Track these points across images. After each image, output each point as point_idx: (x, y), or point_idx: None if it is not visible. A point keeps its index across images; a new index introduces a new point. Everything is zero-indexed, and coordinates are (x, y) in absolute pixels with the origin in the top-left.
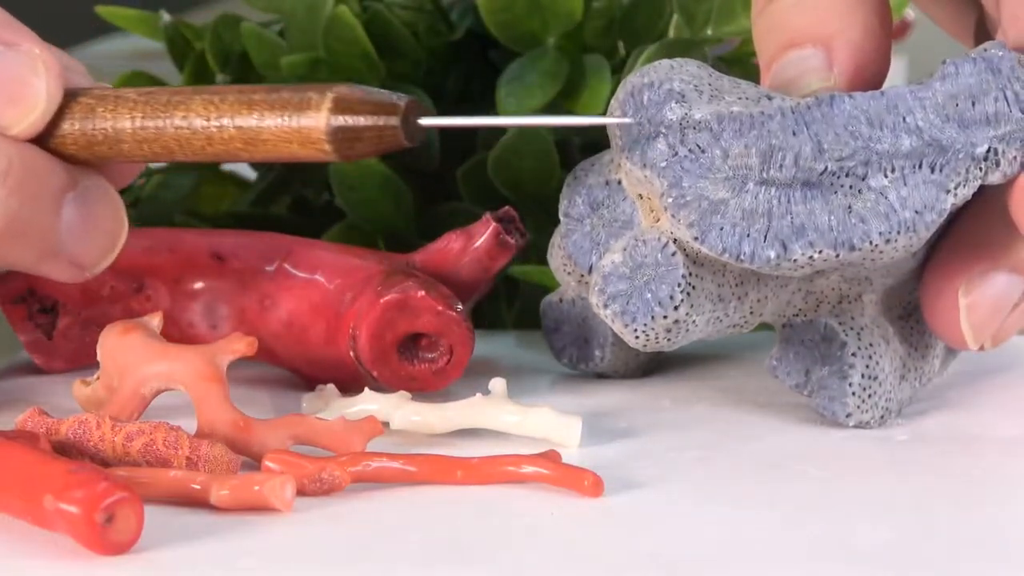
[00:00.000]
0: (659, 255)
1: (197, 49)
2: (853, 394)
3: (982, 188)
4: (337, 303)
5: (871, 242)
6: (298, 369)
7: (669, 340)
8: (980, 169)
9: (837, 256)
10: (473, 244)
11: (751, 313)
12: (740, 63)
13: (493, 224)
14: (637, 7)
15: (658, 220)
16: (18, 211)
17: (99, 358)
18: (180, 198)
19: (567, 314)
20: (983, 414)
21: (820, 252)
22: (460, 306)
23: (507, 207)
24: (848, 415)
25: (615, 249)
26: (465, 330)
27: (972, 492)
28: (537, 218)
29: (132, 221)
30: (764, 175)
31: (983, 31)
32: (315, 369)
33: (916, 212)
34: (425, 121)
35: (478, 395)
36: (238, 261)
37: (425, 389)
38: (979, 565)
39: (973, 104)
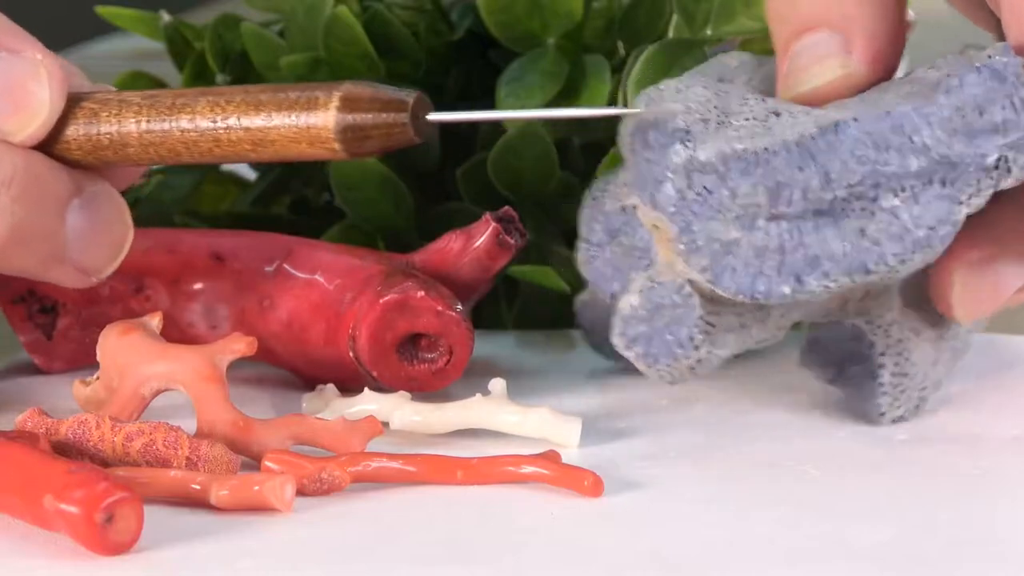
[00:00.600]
0: (676, 296)
1: (197, 49)
2: (884, 393)
3: None
4: (337, 303)
5: (886, 264)
6: (298, 369)
7: (695, 374)
8: (991, 178)
9: (853, 282)
10: (473, 244)
11: (777, 328)
12: None
13: (493, 224)
14: (637, 7)
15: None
16: (23, 218)
17: (99, 358)
18: (180, 198)
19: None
20: (983, 414)
21: (835, 281)
22: (460, 306)
23: (507, 207)
24: (881, 414)
25: (633, 289)
26: (465, 330)
27: (972, 492)
28: (537, 218)
29: (132, 221)
30: (773, 211)
31: None
32: (315, 369)
33: (930, 228)
34: (433, 116)
35: (478, 395)
36: (238, 261)
37: (425, 389)
38: (979, 565)
39: (980, 114)
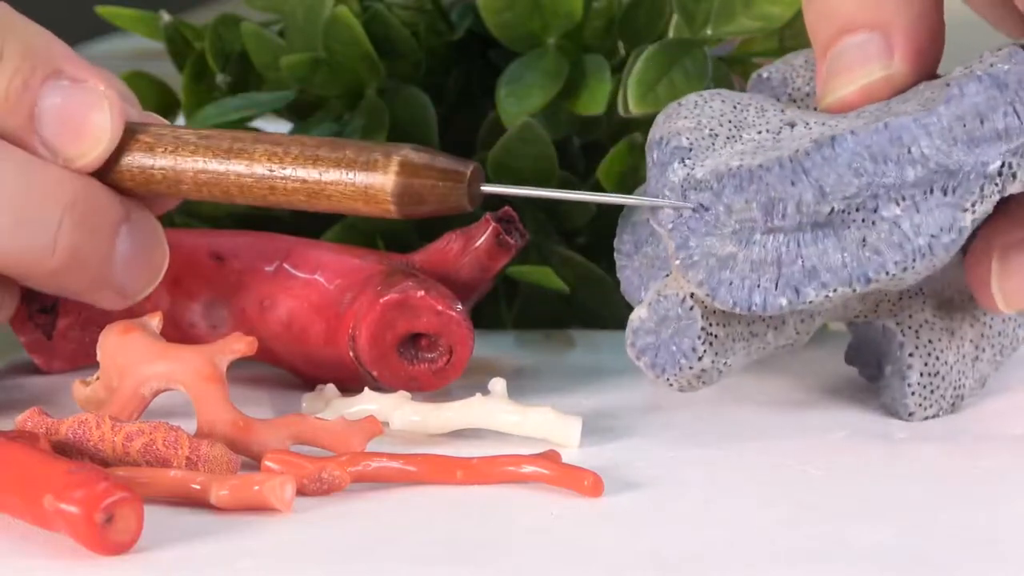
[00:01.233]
0: (679, 309)
1: (197, 49)
2: (913, 394)
3: None
4: (337, 303)
5: (887, 272)
6: (298, 369)
7: (704, 383)
8: (996, 184)
9: (854, 291)
10: (473, 244)
11: (798, 333)
12: (740, 63)
13: (493, 224)
14: (637, 7)
15: None
16: (81, 242)
17: (99, 358)
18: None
19: None
20: (984, 414)
21: (835, 291)
22: (460, 306)
23: (507, 207)
24: (911, 414)
25: (643, 302)
26: (465, 330)
27: (972, 492)
28: (537, 218)
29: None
30: (769, 225)
31: None
32: (315, 369)
33: (932, 236)
34: (487, 188)
35: (478, 395)
36: (238, 261)
37: (425, 389)
38: (979, 565)
39: (982, 122)
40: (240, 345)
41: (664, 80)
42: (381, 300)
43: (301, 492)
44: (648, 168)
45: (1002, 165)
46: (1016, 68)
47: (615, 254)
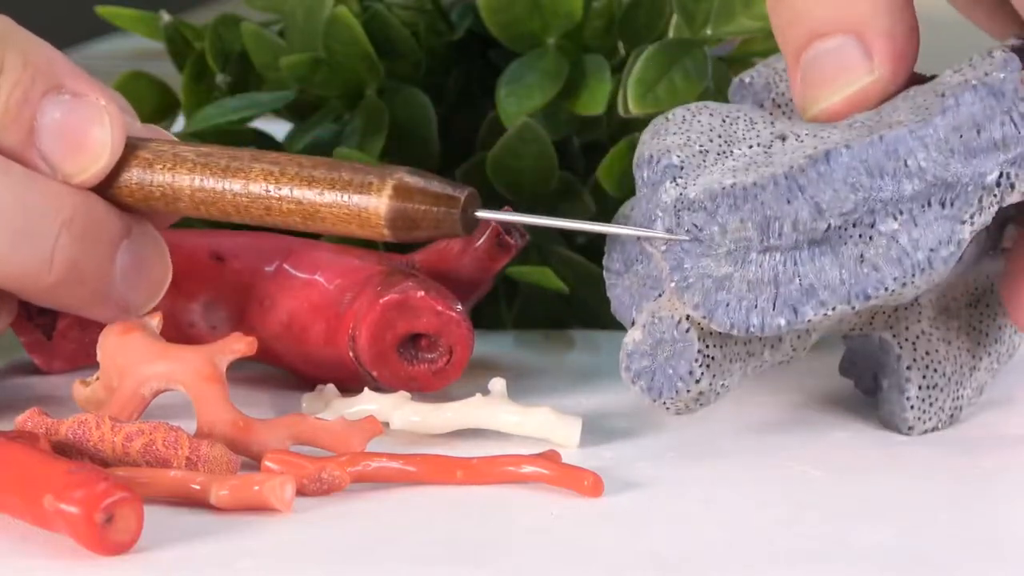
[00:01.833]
0: (675, 332)
1: (197, 49)
2: (912, 408)
3: None
4: (337, 303)
5: (886, 288)
6: (298, 369)
7: (701, 405)
8: (995, 195)
9: (853, 308)
10: (473, 244)
11: (794, 349)
12: (740, 63)
13: (493, 225)
14: (637, 7)
15: None
16: (79, 258)
17: (99, 358)
18: None
19: None
20: (984, 414)
21: (834, 309)
22: (460, 306)
23: (507, 207)
24: (910, 428)
25: (637, 323)
26: (465, 330)
27: (972, 492)
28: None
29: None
30: (765, 244)
31: None
32: (315, 369)
33: (931, 250)
34: (482, 214)
35: (478, 395)
36: (238, 261)
37: (425, 389)
38: (979, 565)
39: (978, 132)
40: (240, 345)
41: (664, 80)
42: (381, 300)
43: (301, 492)
44: (638, 187)
45: (1000, 175)
46: (1012, 76)
47: (604, 272)
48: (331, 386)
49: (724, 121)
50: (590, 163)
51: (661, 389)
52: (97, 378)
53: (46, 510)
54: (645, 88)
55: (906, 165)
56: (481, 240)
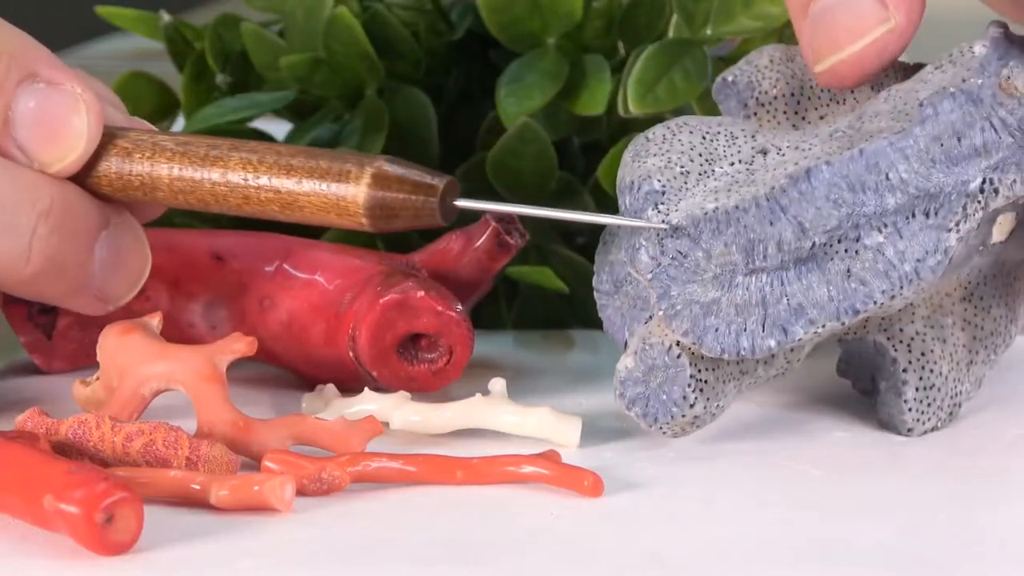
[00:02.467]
0: (666, 358)
1: (197, 49)
2: (910, 409)
3: None
4: (337, 303)
5: (875, 302)
6: (298, 369)
7: (698, 427)
8: (979, 202)
9: (843, 324)
10: (473, 244)
11: (788, 362)
12: None
13: (493, 225)
14: (637, 7)
15: None
16: (57, 249)
17: (99, 358)
18: None
19: None
20: (983, 414)
21: (823, 327)
22: (460, 306)
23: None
24: (909, 430)
25: (629, 350)
26: (465, 330)
27: (972, 492)
28: (536, 219)
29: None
30: (750, 266)
31: None
32: (315, 369)
33: (918, 261)
34: (461, 203)
35: (478, 395)
36: (238, 261)
37: (425, 389)
38: (979, 565)
39: (959, 140)
40: (240, 345)
41: (664, 80)
42: (381, 300)
43: (301, 492)
44: (621, 213)
45: (984, 182)
46: (989, 81)
47: (594, 293)
48: (331, 386)
49: (704, 138)
50: (590, 163)
51: (656, 415)
52: (97, 378)
53: (46, 510)
54: (645, 88)
55: (888, 178)
56: (481, 240)
